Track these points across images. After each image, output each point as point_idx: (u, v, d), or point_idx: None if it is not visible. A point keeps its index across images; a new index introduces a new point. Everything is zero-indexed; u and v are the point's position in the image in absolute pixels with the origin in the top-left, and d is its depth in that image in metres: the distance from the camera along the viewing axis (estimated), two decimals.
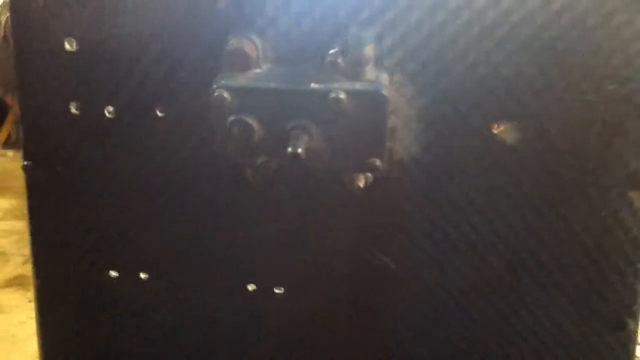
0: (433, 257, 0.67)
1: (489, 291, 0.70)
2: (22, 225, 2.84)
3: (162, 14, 0.53)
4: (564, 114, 0.56)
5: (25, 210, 0.79)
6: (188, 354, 0.82)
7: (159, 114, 0.59)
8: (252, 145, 0.53)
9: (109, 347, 0.84)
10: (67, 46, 0.56)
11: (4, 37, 4.39)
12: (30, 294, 2.28)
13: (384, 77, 0.52)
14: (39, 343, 0.87)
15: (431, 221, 0.64)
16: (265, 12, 0.52)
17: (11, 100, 4.45)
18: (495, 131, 0.57)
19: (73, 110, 0.60)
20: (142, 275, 0.75)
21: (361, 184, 0.56)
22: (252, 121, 0.52)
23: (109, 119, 0.60)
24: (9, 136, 4.56)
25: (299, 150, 0.50)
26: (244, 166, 0.58)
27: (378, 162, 0.54)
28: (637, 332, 0.77)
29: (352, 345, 0.76)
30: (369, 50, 0.50)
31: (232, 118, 0.52)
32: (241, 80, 0.51)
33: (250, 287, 0.74)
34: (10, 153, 4.34)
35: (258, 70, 0.53)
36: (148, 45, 0.55)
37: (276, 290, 0.74)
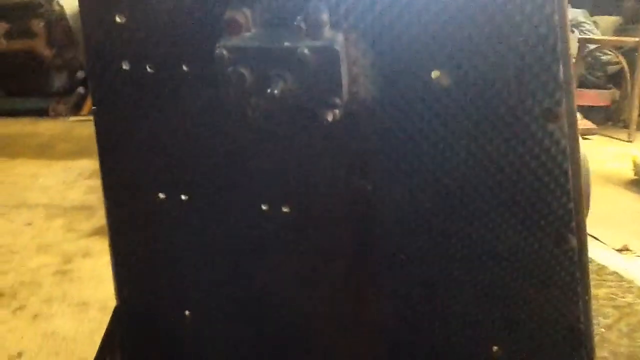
0: (398, 178, 0.85)
1: (447, 207, 0.86)
2: None
3: None
4: (482, 62, 0.72)
5: None
6: (219, 262, 1.04)
7: (184, 68, 0.81)
8: (246, 89, 0.73)
9: (162, 258, 1.08)
10: (118, 19, 0.78)
11: None
12: None
13: (339, 36, 0.71)
14: (111, 251, 1.12)
15: (393, 148, 0.82)
16: None
17: None
18: (433, 76, 0.75)
19: (124, 67, 0.82)
20: (183, 197, 0.98)
21: (329, 118, 0.75)
22: (244, 71, 0.72)
23: (150, 73, 0.82)
24: None
25: (275, 91, 0.70)
26: (244, 106, 0.78)
27: (337, 100, 0.73)
28: (583, 246, 0.92)
29: (345, 250, 0.95)
30: (325, 16, 0.69)
31: (230, 69, 0.72)
32: (235, 41, 0.72)
33: (264, 206, 0.95)
34: None
35: (248, 34, 0.73)
36: (172, 17, 0.76)
37: (284, 209, 0.95)
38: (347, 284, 0.99)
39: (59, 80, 4.96)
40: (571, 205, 0.85)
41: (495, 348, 0.94)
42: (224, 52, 0.71)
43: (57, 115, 4.79)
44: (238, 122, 0.83)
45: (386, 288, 0.97)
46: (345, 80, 0.73)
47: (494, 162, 0.81)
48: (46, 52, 4.74)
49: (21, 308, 2.03)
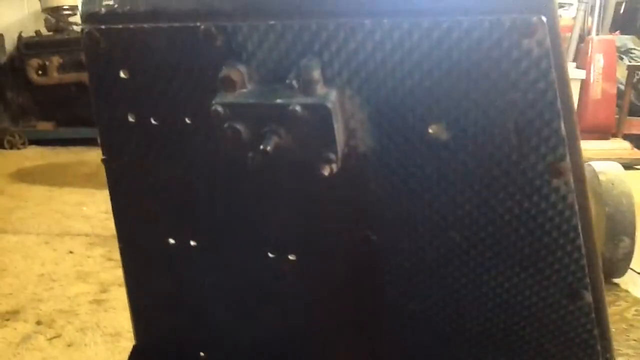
0: (402, 229, 0.83)
1: (454, 259, 0.84)
2: None
3: (179, 52, 0.76)
4: (481, 117, 0.70)
5: None
6: (231, 305, 1.04)
7: (187, 121, 0.82)
8: (242, 143, 0.74)
9: (176, 300, 1.09)
10: (122, 75, 0.80)
11: None
12: None
13: (332, 93, 0.70)
14: (127, 292, 1.14)
15: (395, 200, 0.81)
16: (247, 48, 0.73)
17: None
18: (430, 131, 0.73)
19: (130, 119, 0.84)
20: (192, 243, 0.99)
21: (325, 172, 0.74)
22: (240, 127, 0.73)
23: (155, 125, 0.84)
24: None
25: (268, 147, 0.70)
26: (242, 159, 0.78)
27: (332, 155, 0.72)
28: (600, 303, 0.87)
29: (350, 300, 0.94)
30: (317, 73, 0.69)
31: (226, 125, 0.73)
32: (230, 98, 0.72)
33: (271, 254, 0.95)
34: None
35: (244, 90, 0.73)
36: (174, 73, 0.78)
37: (290, 257, 0.94)
38: (353, 332, 0.98)
39: None
40: (584, 261, 0.81)
41: None
42: (219, 108, 0.72)
43: None
44: (240, 173, 0.84)
45: (392, 338, 0.94)
46: (340, 136, 0.72)
47: (499, 216, 0.79)
48: None
49: (57, 336, 2.07)
